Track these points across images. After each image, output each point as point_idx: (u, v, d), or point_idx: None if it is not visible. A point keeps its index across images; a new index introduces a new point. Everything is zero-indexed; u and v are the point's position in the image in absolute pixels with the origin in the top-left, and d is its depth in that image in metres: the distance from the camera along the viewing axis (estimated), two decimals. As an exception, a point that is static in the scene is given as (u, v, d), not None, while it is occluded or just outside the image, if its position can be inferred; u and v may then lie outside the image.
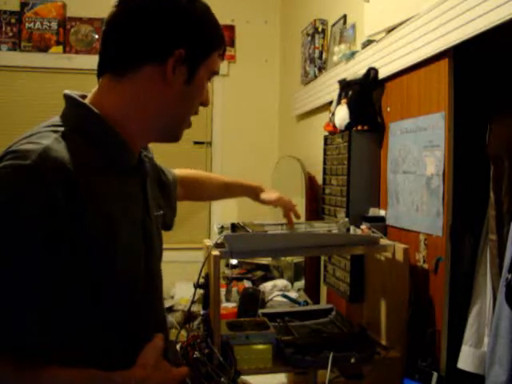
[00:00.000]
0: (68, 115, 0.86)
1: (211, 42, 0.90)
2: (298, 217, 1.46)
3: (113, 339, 0.83)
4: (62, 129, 0.81)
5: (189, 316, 1.50)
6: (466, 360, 1.28)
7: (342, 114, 1.72)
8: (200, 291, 1.38)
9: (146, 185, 0.96)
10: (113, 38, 0.87)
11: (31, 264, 0.71)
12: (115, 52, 0.87)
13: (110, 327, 0.82)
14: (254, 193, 1.48)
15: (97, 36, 3.30)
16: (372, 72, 1.65)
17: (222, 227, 1.44)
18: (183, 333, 1.38)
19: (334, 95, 1.87)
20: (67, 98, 0.87)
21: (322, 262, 2.08)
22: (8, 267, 0.70)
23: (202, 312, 1.37)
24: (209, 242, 1.38)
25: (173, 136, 0.94)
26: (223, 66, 3.46)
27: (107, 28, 0.89)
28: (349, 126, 1.69)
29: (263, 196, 1.47)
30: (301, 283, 2.38)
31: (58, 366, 0.74)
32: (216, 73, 0.93)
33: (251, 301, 1.83)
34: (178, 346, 1.23)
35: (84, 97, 0.88)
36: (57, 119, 0.85)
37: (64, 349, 0.75)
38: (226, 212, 3.31)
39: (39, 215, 0.71)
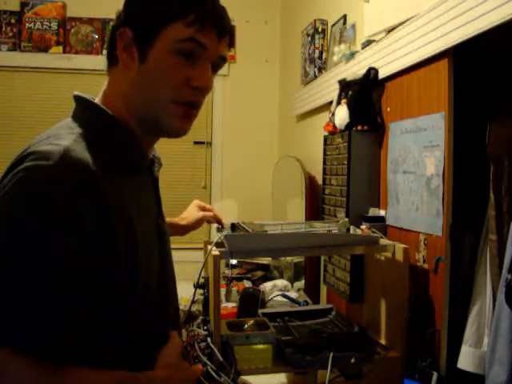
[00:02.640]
0: (81, 117, 0.86)
1: (160, 13, 0.83)
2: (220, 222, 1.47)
3: (132, 337, 0.83)
4: (78, 130, 0.81)
5: (189, 316, 1.50)
6: (466, 360, 1.28)
7: (341, 114, 1.72)
8: (200, 291, 1.38)
9: (158, 184, 0.97)
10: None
11: (56, 264, 0.70)
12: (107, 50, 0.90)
13: (130, 326, 0.83)
14: (174, 227, 1.39)
15: (97, 36, 3.30)
16: (372, 72, 1.65)
17: (222, 227, 1.44)
18: (183, 333, 1.38)
19: (334, 95, 1.87)
20: (79, 99, 0.88)
21: (322, 262, 2.08)
22: (34, 267, 0.69)
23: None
24: (209, 242, 1.38)
25: (164, 127, 0.87)
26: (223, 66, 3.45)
27: None
28: (349, 126, 1.69)
29: (184, 222, 1.44)
30: (301, 283, 2.37)
31: (83, 367, 0.73)
32: (191, 41, 0.82)
33: (251, 301, 1.83)
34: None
35: (93, 99, 0.89)
36: (70, 120, 0.85)
37: (88, 349, 0.74)
38: (225, 212, 3.31)
39: (64, 213, 0.71)
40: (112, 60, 0.88)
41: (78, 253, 0.72)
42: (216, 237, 1.33)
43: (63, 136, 0.79)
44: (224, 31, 0.86)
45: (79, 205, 0.72)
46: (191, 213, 1.47)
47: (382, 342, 1.45)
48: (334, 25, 2.28)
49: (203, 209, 1.50)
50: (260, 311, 1.62)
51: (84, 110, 0.87)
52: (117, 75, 0.88)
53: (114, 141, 0.85)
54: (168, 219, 1.14)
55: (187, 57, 0.83)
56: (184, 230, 1.44)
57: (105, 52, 0.92)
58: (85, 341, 0.73)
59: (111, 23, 0.90)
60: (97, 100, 0.89)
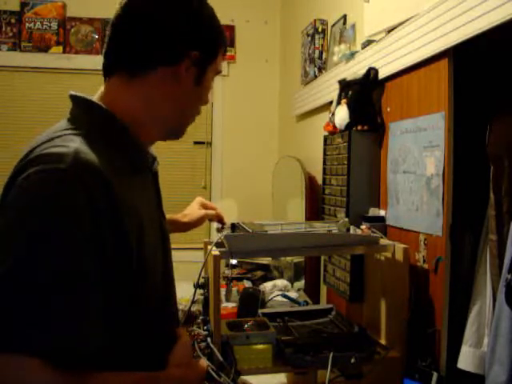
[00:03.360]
0: (80, 117, 0.84)
1: (218, 42, 0.93)
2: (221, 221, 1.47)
3: (138, 337, 0.83)
4: (82, 131, 0.80)
5: (189, 316, 1.50)
6: (466, 360, 1.28)
7: (341, 114, 1.72)
8: (200, 291, 1.38)
9: (158, 179, 0.98)
10: (125, 39, 0.86)
11: (76, 266, 0.70)
12: (129, 53, 0.86)
13: (136, 326, 0.83)
14: (175, 223, 1.39)
15: (97, 36, 3.30)
16: (372, 72, 1.65)
17: (222, 227, 1.44)
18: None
19: (334, 95, 1.87)
20: (77, 99, 0.86)
21: (322, 262, 2.08)
22: (52, 270, 0.69)
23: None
24: (209, 242, 1.38)
25: (177, 134, 0.97)
26: (223, 66, 3.45)
27: (117, 28, 0.87)
28: (349, 126, 1.69)
29: (186, 219, 1.43)
30: (301, 283, 2.38)
31: (102, 370, 0.73)
32: (220, 72, 0.97)
33: (251, 301, 1.83)
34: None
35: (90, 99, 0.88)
36: (69, 121, 0.84)
37: (97, 350, 0.73)
38: (226, 212, 3.32)
39: (81, 216, 0.71)
40: (143, 66, 0.86)
41: (93, 258, 0.72)
42: (216, 237, 1.33)
43: (69, 138, 0.78)
44: None
45: (95, 206, 0.72)
46: (193, 210, 1.46)
47: (382, 342, 1.45)
48: (334, 25, 2.28)
49: (206, 207, 1.49)
50: (260, 311, 1.62)
51: (85, 111, 0.85)
52: (147, 83, 0.87)
53: (118, 142, 0.85)
54: (169, 216, 1.16)
55: None
56: (185, 227, 1.44)
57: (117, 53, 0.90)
58: (94, 342, 0.73)
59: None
60: (95, 98, 0.87)
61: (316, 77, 2.43)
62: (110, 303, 0.75)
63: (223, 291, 2.08)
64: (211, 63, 0.92)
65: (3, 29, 3.26)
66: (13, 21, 3.27)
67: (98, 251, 0.73)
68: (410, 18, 1.46)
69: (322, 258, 2.08)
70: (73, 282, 0.70)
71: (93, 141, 0.79)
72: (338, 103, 1.77)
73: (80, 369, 0.71)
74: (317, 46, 2.43)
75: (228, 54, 3.47)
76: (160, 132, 0.94)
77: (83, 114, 0.85)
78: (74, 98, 0.87)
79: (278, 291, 2.19)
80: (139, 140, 0.88)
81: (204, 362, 0.93)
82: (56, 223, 0.70)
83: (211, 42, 0.91)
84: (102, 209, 0.73)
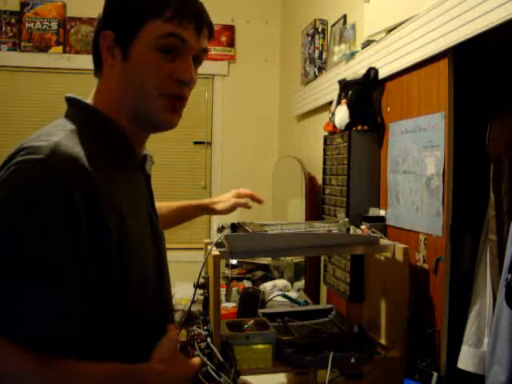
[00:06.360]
0: (73, 116, 0.87)
1: (138, 11, 0.86)
2: (259, 201, 1.62)
3: (126, 335, 0.84)
4: (69, 127, 0.83)
5: (189, 316, 1.50)
6: (466, 360, 1.28)
7: (341, 114, 1.72)
8: (200, 291, 1.38)
9: (150, 182, 0.98)
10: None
11: (49, 258, 0.71)
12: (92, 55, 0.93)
13: (124, 324, 0.83)
14: (206, 209, 1.54)
15: (97, 36, 3.30)
16: (372, 72, 1.65)
17: (222, 227, 1.44)
18: (183, 332, 1.38)
19: (334, 95, 1.87)
20: (71, 100, 0.90)
21: (322, 262, 2.08)
22: (28, 261, 0.70)
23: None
24: (209, 242, 1.38)
25: (154, 121, 0.90)
26: (223, 66, 3.46)
27: None
28: (349, 126, 1.69)
29: (219, 207, 1.54)
30: (301, 283, 2.38)
31: (80, 360, 0.73)
32: (171, 36, 0.85)
33: (251, 301, 1.83)
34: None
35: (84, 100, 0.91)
36: (62, 120, 0.87)
37: (85, 341, 0.75)
38: (226, 212, 3.32)
39: (54, 206, 0.72)
40: (98, 63, 0.91)
41: (70, 247, 0.72)
42: (216, 237, 1.33)
43: (54, 132, 0.80)
44: (202, 24, 0.89)
45: (70, 198, 0.73)
46: (226, 198, 1.58)
47: (382, 342, 1.45)
48: (334, 25, 2.28)
49: (238, 195, 1.61)
50: (260, 311, 1.62)
51: (75, 110, 0.89)
52: (104, 76, 0.91)
53: (104, 137, 0.87)
54: (196, 201, 1.42)
55: (168, 51, 0.86)
56: (216, 213, 1.57)
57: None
58: (76, 336, 0.73)
59: (93, 28, 0.93)
60: (88, 100, 0.91)
61: (316, 77, 2.43)
62: (88, 299, 0.76)
63: (223, 291, 2.08)
64: (135, 34, 0.85)
65: (3, 29, 3.25)
66: (13, 21, 3.27)
67: (72, 243, 0.73)
68: (410, 18, 1.46)
69: (322, 258, 2.08)
70: (49, 269, 0.71)
71: (80, 136, 0.81)
72: (338, 103, 1.77)
73: (59, 355, 0.72)
74: (317, 45, 2.43)
75: (228, 54, 3.47)
76: (133, 124, 0.90)
77: (75, 113, 0.88)
78: (67, 99, 0.91)
79: (278, 291, 2.19)
80: (126, 135, 0.89)
81: (197, 360, 0.92)
82: (30, 215, 0.71)
83: (122, 16, 0.87)
84: (78, 201, 0.73)
